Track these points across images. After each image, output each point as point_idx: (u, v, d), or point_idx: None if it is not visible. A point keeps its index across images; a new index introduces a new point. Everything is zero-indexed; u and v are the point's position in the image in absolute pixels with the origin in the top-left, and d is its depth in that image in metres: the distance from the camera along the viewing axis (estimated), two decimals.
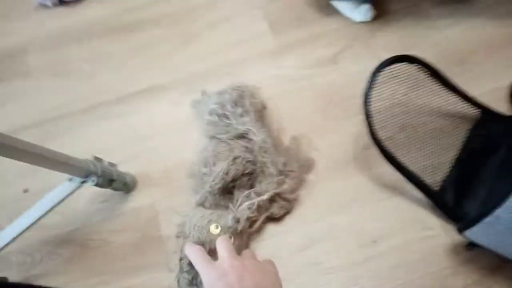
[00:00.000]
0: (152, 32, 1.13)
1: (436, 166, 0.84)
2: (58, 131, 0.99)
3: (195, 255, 0.61)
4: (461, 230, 0.68)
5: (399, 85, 0.88)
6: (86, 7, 1.19)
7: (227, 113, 0.87)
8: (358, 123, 0.80)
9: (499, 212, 0.59)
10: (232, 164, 0.81)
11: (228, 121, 0.86)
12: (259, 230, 0.83)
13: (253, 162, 0.84)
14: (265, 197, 0.80)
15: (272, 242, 0.82)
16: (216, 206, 0.81)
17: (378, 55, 0.99)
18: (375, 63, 0.79)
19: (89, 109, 1.01)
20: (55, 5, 1.19)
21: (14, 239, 0.75)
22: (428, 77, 0.85)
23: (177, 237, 0.81)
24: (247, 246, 0.81)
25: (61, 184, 0.77)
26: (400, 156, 0.80)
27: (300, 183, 0.87)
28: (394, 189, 0.84)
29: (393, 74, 0.82)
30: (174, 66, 1.06)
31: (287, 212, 0.84)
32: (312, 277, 0.78)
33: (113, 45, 1.12)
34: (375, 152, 0.78)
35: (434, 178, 0.82)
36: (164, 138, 0.95)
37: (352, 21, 1.08)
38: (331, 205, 0.85)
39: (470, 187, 0.80)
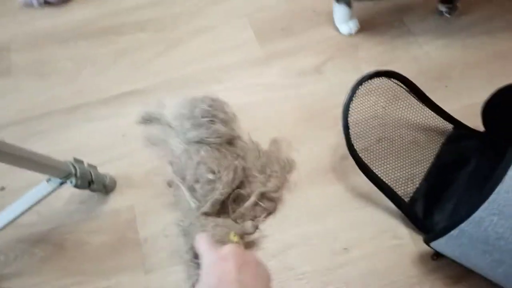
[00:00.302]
0: (137, 36, 1.14)
1: (408, 178, 0.86)
2: (39, 130, 0.99)
3: (201, 240, 0.60)
4: (427, 241, 0.70)
5: (378, 98, 0.90)
6: (71, 9, 1.20)
7: (218, 117, 0.88)
8: (338, 134, 0.81)
9: (463, 226, 0.61)
10: (236, 172, 0.82)
11: (216, 126, 0.87)
12: None
13: (244, 170, 0.85)
14: (252, 198, 0.82)
15: (246, 246, 0.83)
16: (218, 213, 0.82)
17: (360, 67, 1.02)
18: (357, 75, 0.81)
19: (71, 110, 1.02)
20: (40, 5, 1.20)
21: None
22: (406, 91, 0.88)
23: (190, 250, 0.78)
24: None
25: (39, 184, 0.77)
26: (375, 167, 0.82)
27: (282, 182, 0.88)
28: (368, 199, 0.86)
29: (372, 88, 0.84)
30: (158, 71, 1.07)
31: (269, 214, 0.85)
32: (284, 282, 0.79)
33: (97, 47, 1.12)
34: (352, 162, 0.80)
35: (406, 189, 0.84)
36: (145, 142, 0.96)
37: (336, 33, 1.10)
38: (306, 212, 0.86)
39: (439, 200, 0.82)
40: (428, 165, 0.88)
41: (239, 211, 0.83)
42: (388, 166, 0.86)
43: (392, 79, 0.85)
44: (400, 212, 0.82)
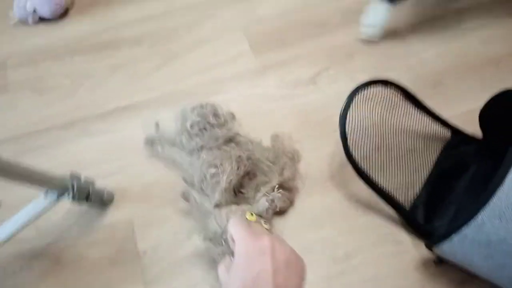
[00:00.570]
0: (133, 51, 1.14)
1: (408, 185, 0.86)
2: (36, 146, 0.99)
3: (236, 225, 0.55)
4: (429, 246, 0.70)
5: (375, 107, 0.90)
6: (66, 25, 1.21)
7: (210, 123, 0.89)
8: (335, 142, 0.82)
9: (465, 230, 0.61)
10: (239, 161, 0.82)
11: (210, 132, 0.88)
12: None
13: (252, 160, 0.85)
14: (274, 183, 0.82)
15: None
16: (230, 203, 0.82)
17: (355, 77, 1.02)
18: (352, 85, 0.82)
19: (68, 125, 1.02)
20: (35, 22, 1.20)
21: None
22: (402, 99, 0.88)
23: (213, 242, 0.76)
24: None
25: (36, 199, 0.77)
26: (374, 175, 0.82)
27: (295, 172, 0.88)
28: (368, 205, 0.86)
29: (369, 96, 0.85)
30: (154, 85, 1.07)
31: (290, 204, 0.86)
32: None
33: (93, 62, 1.13)
34: (351, 170, 0.80)
35: (406, 196, 0.84)
36: (142, 155, 0.95)
37: (330, 44, 1.11)
38: (307, 220, 0.85)
39: (440, 206, 0.82)
40: (428, 172, 0.88)
41: (253, 194, 0.83)
42: (387, 173, 0.86)
43: (388, 87, 0.86)
44: (400, 218, 0.82)
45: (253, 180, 0.86)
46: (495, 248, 0.60)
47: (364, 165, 0.81)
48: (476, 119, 0.86)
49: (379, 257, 0.80)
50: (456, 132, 0.91)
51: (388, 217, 0.84)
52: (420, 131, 0.92)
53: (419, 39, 1.11)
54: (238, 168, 0.82)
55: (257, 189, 0.84)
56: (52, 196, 0.77)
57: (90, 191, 0.82)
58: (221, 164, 0.82)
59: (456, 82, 1.03)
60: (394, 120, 0.92)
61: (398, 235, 0.82)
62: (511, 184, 0.60)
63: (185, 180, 0.87)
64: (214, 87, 1.06)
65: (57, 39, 1.18)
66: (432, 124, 0.91)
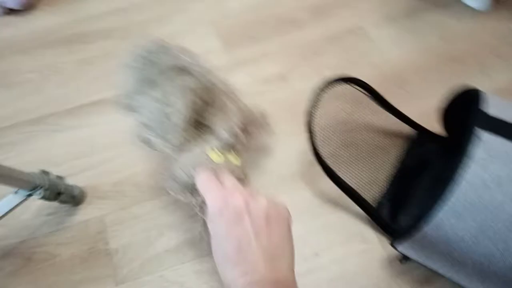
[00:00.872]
0: (103, 44, 1.13)
1: (374, 183, 0.88)
2: (5, 142, 0.97)
3: (203, 181, 0.53)
4: (392, 244, 0.72)
5: (343, 104, 0.92)
6: (35, 17, 1.18)
7: (155, 53, 0.76)
8: (305, 140, 0.82)
9: (425, 229, 0.63)
10: (195, 94, 0.72)
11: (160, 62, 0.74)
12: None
13: (209, 90, 0.75)
14: (235, 111, 0.75)
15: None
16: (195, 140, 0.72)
17: (324, 74, 1.03)
18: (321, 82, 0.83)
19: (38, 120, 1.00)
20: (4, 13, 1.17)
21: None
22: (368, 97, 0.90)
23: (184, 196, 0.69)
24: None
25: (5, 196, 0.76)
26: (341, 172, 0.84)
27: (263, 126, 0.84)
28: (337, 204, 0.88)
29: (337, 94, 0.86)
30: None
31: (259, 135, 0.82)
32: None
33: (64, 56, 1.11)
34: (320, 168, 0.81)
35: (373, 194, 0.86)
36: (115, 152, 0.95)
37: (300, 41, 1.12)
38: None
39: (405, 204, 0.85)
40: (393, 170, 0.90)
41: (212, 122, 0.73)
42: (354, 171, 0.88)
43: (353, 85, 0.87)
44: (367, 216, 0.84)
45: (215, 109, 0.75)
46: (454, 247, 0.62)
47: (332, 162, 0.82)
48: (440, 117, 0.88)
49: (347, 255, 0.82)
50: (421, 130, 0.93)
51: (357, 215, 0.86)
52: (386, 128, 0.94)
53: (384, 38, 1.13)
54: (191, 104, 0.71)
55: (220, 119, 0.74)
56: (22, 194, 0.76)
57: (62, 189, 0.82)
58: (174, 101, 0.70)
59: (421, 80, 1.05)
60: (361, 117, 0.94)
61: (365, 233, 0.84)
62: (468, 184, 0.61)
63: (144, 124, 0.73)
64: None
65: (25, 32, 1.15)
66: (398, 122, 0.93)
